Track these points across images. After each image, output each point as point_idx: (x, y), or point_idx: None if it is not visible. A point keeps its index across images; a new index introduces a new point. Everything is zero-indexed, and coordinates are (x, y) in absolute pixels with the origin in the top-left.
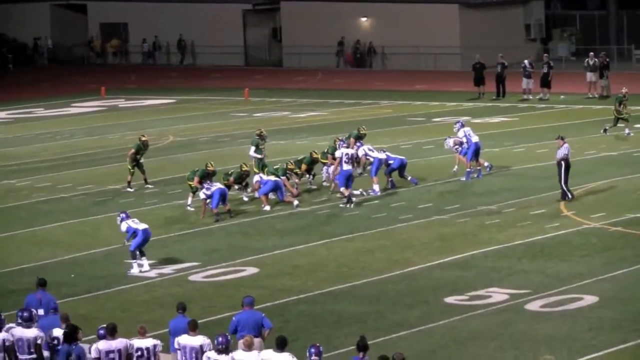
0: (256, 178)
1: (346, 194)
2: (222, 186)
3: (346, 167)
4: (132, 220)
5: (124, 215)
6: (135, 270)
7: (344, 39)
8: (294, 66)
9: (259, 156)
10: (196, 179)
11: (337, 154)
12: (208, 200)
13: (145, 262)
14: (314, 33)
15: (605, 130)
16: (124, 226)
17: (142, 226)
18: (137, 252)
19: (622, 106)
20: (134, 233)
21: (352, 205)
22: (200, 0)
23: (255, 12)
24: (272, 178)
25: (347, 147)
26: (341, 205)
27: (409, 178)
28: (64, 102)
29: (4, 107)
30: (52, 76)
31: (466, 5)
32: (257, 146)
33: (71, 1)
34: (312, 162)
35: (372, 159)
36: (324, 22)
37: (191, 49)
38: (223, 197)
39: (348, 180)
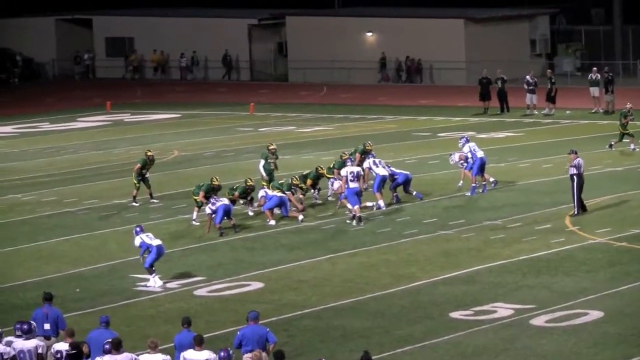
0: (261, 193)
1: (358, 213)
2: (227, 202)
3: (353, 185)
4: (147, 235)
5: (138, 229)
6: (153, 283)
7: (384, 54)
8: (299, 81)
9: (263, 174)
10: (201, 193)
11: (343, 172)
12: (214, 215)
13: (156, 279)
14: (320, 48)
15: (610, 146)
16: (137, 240)
17: (155, 242)
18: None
19: (626, 119)
20: (147, 249)
21: (362, 224)
22: (206, 14)
23: (261, 26)
24: (278, 194)
25: (352, 165)
26: (347, 222)
27: (414, 193)
28: (70, 116)
29: (9, 121)
30: (57, 90)
31: (472, 20)
32: (266, 159)
33: (76, 15)
34: (317, 177)
35: (374, 174)
36: (330, 37)
37: (237, 65)
38: (227, 213)
39: (357, 197)
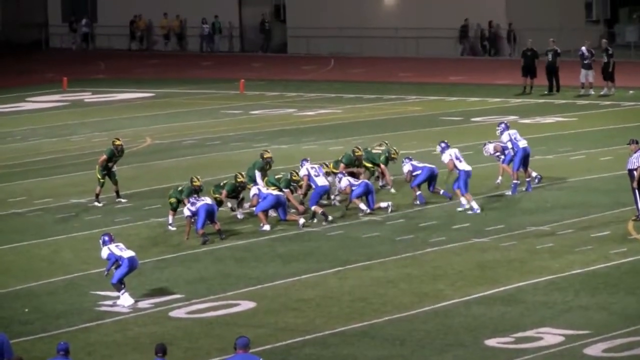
0: (253, 191)
1: (319, 210)
2: (209, 201)
3: (321, 181)
4: (116, 246)
5: (107, 238)
6: (123, 301)
7: (467, 21)
8: (301, 52)
9: (262, 185)
10: (185, 200)
11: (302, 172)
12: (193, 219)
13: (126, 296)
14: (326, 12)
15: None
16: (105, 252)
17: (127, 253)
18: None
19: None
20: (116, 261)
21: (331, 218)
22: None
23: None
24: (274, 192)
25: (309, 162)
26: (323, 223)
27: (442, 192)
28: (17, 95)
29: None
30: (2, 64)
31: None
32: (262, 170)
33: None
34: None
35: (419, 172)
36: None
37: (227, 33)
38: (211, 215)
39: (322, 197)
